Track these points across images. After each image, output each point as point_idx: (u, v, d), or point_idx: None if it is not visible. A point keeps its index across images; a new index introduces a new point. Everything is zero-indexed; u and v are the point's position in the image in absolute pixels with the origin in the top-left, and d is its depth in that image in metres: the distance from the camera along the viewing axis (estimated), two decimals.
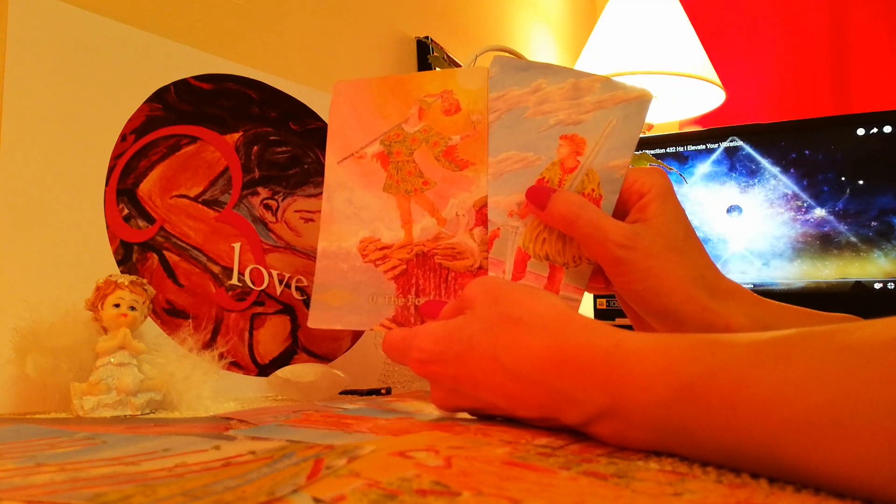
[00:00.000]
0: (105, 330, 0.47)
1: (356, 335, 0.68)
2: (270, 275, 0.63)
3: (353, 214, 0.50)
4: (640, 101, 0.46)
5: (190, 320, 0.56)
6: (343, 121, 0.51)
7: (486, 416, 0.38)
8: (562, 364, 0.32)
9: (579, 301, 0.46)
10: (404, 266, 0.48)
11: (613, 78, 0.47)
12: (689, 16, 1.41)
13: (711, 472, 0.26)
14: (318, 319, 0.49)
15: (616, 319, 1.05)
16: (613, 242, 0.42)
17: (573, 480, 0.24)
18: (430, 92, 0.49)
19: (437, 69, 0.96)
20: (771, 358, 0.25)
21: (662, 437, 0.28)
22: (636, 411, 0.28)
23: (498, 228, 0.47)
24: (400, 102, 0.50)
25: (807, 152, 1.00)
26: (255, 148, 0.65)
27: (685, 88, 1.39)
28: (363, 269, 0.49)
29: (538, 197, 0.45)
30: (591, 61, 1.36)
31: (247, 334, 0.61)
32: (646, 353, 0.29)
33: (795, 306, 0.44)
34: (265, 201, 0.65)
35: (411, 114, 0.50)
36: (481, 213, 0.48)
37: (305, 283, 0.65)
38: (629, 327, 0.40)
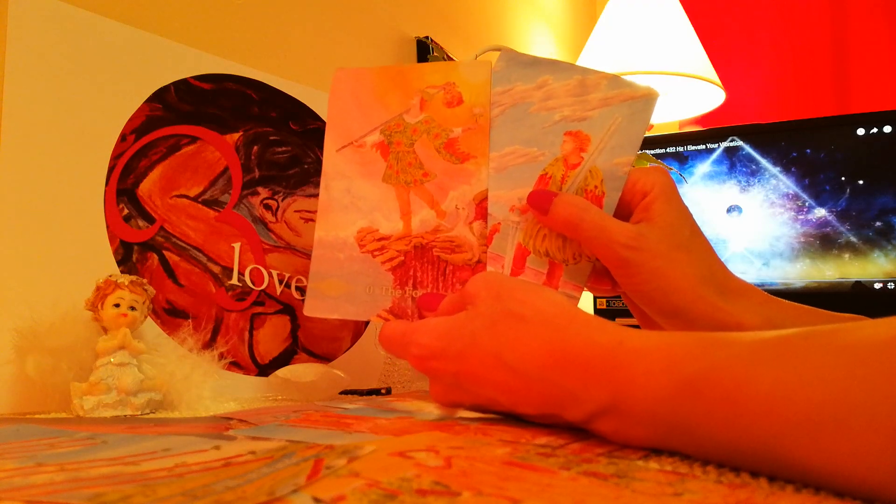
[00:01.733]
0: (105, 330, 0.47)
1: (356, 335, 0.68)
2: (270, 275, 0.63)
3: (350, 204, 0.49)
4: (647, 99, 0.46)
5: (190, 320, 0.56)
6: (343, 109, 0.50)
7: (486, 413, 0.38)
8: (564, 361, 0.32)
9: (578, 299, 0.46)
10: (402, 258, 0.48)
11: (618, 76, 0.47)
12: (689, 16, 1.40)
13: (711, 471, 0.25)
14: (313, 308, 0.49)
15: (616, 319, 1.05)
16: (619, 244, 0.42)
17: (573, 480, 0.24)
18: (433, 83, 0.49)
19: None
20: (772, 356, 0.25)
21: (664, 434, 0.28)
22: (637, 408, 0.29)
23: (498, 223, 0.47)
24: (401, 92, 0.50)
25: (807, 152, 1.00)
26: (255, 148, 0.65)
27: (685, 88, 1.39)
28: (360, 259, 0.48)
29: (540, 201, 0.45)
30: (592, 61, 1.36)
31: (247, 334, 0.61)
32: (647, 350, 0.29)
33: (806, 306, 0.44)
34: (265, 201, 0.65)
35: (413, 104, 0.49)
36: (481, 207, 0.48)
37: (305, 283, 0.65)
38: (635, 327, 0.40)
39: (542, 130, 0.47)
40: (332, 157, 0.50)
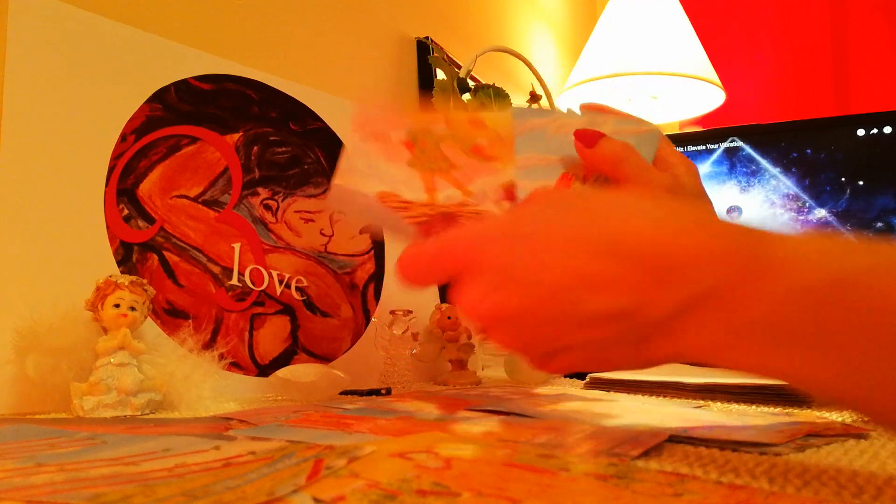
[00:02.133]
0: (105, 330, 0.47)
1: (356, 335, 0.68)
2: (270, 275, 0.63)
3: (372, 174, 0.46)
4: (651, 133, 0.47)
5: (190, 320, 0.56)
6: (367, 112, 0.50)
7: (520, 332, 0.31)
8: (682, 233, 0.27)
9: None
10: (426, 218, 0.46)
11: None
12: (689, 16, 1.40)
13: (712, 471, 0.25)
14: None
15: None
16: (658, 187, 0.41)
17: (573, 481, 0.24)
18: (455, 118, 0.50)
19: (438, 70, 0.95)
20: None
21: (774, 342, 0.24)
22: (762, 299, 0.24)
23: None
24: (425, 115, 0.50)
25: (807, 152, 1.00)
26: (255, 148, 0.65)
27: (685, 88, 1.39)
28: (383, 209, 0.46)
29: (588, 137, 0.44)
30: (591, 61, 1.36)
31: (247, 334, 0.61)
32: (795, 238, 0.25)
33: None
34: (265, 201, 0.65)
35: (438, 120, 0.49)
36: (509, 192, 0.47)
37: (305, 284, 0.65)
38: None
39: (560, 145, 0.48)
40: (355, 141, 0.48)
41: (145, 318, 0.48)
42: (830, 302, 0.23)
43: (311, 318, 0.65)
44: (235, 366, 0.59)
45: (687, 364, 0.29)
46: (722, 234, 0.26)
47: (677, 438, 0.33)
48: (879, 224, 0.95)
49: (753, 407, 0.51)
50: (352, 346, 0.68)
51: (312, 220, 0.67)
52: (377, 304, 0.71)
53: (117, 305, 0.46)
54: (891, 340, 0.21)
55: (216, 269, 0.60)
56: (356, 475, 0.24)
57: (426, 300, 0.74)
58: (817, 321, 0.23)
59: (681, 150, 1.14)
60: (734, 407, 0.52)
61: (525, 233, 0.30)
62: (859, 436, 0.37)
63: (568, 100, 1.39)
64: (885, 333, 0.21)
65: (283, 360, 0.62)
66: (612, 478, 0.24)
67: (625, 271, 0.27)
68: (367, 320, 0.70)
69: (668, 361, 0.28)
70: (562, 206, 0.30)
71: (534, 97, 0.69)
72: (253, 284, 0.62)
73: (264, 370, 0.60)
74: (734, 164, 1.04)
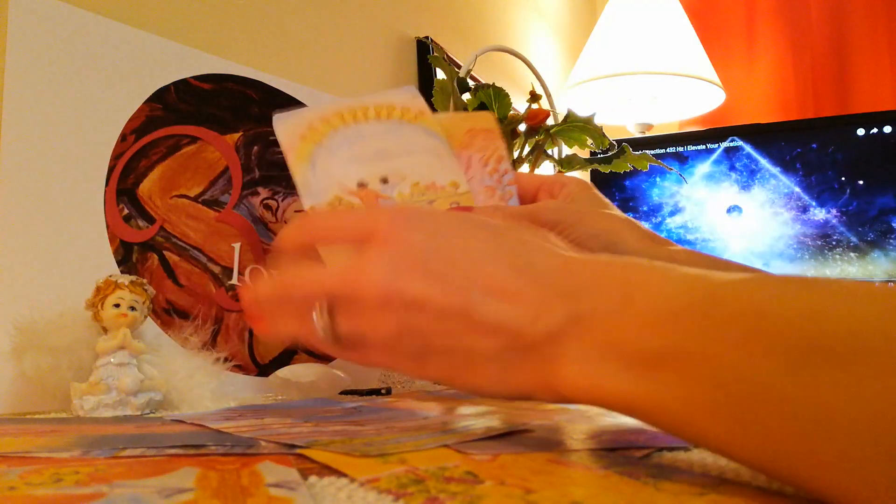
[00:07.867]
0: (105, 330, 0.47)
1: None
2: (270, 275, 0.63)
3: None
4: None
5: (190, 320, 0.56)
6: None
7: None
8: (583, 261, 0.28)
9: None
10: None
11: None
12: (689, 16, 1.41)
13: (744, 474, 0.25)
14: None
15: None
16: (544, 213, 0.43)
17: (604, 478, 0.24)
18: None
19: (438, 70, 0.95)
20: (795, 285, 0.23)
21: (647, 366, 0.23)
22: (634, 320, 0.24)
23: None
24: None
25: (807, 152, 1.00)
26: (256, 148, 0.65)
27: (685, 88, 1.39)
28: None
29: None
30: (591, 61, 1.36)
31: (247, 334, 0.61)
32: (661, 266, 0.26)
33: (707, 255, 0.44)
34: (265, 201, 0.65)
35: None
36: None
37: None
38: None
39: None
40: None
41: (145, 317, 0.48)
42: (700, 316, 0.23)
43: None
44: (235, 366, 0.59)
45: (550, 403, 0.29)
46: (606, 263, 0.27)
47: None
48: (879, 224, 0.95)
49: None
50: None
51: None
52: None
53: (117, 305, 0.46)
54: (750, 346, 0.21)
55: (216, 269, 0.60)
56: (403, 462, 0.26)
57: None
58: (684, 338, 0.23)
59: (681, 149, 1.14)
60: None
61: (450, 229, 0.30)
62: None
63: (568, 100, 1.39)
64: (746, 341, 0.21)
65: (283, 360, 0.62)
66: (644, 476, 0.24)
67: (529, 289, 0.27)
68: None
69: (529, 394, 0.28)
70: (487, 223, 0.31)
71: (534, 97, 0.69)
72: None
73: (264, 370, 0.60)
74: (734, 163, 1.04)
